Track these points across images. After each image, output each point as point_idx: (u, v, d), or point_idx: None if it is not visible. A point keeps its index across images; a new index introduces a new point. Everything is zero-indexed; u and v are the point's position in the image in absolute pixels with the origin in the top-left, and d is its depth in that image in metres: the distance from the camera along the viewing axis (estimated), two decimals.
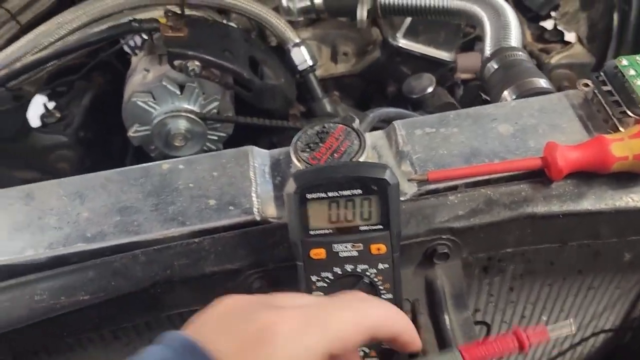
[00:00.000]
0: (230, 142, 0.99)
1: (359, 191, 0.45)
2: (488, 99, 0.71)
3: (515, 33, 0.72)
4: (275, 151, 0.61)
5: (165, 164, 0.59)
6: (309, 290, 0.46)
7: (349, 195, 0.45)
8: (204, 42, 0.87)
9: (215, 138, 0.94)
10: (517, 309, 0.73)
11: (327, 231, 0.46)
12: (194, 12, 0.96)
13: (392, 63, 1.06)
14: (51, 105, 1.21)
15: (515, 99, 0.64)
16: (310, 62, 0.97)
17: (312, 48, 1.02)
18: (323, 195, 0.45)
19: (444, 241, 0.51)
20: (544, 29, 1.23)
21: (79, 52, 0.90)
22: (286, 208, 0.46)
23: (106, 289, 0.50)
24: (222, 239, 0.51)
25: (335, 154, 0.54)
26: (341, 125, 0.56)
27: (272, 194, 0.56)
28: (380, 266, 0.46)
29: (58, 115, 1.17)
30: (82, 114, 1.19)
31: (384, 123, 0.75)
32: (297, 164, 0.54)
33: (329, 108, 0.99)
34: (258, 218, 0.53)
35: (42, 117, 1.17)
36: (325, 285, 0.46)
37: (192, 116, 0.88)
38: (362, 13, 0.96)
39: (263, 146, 1.06)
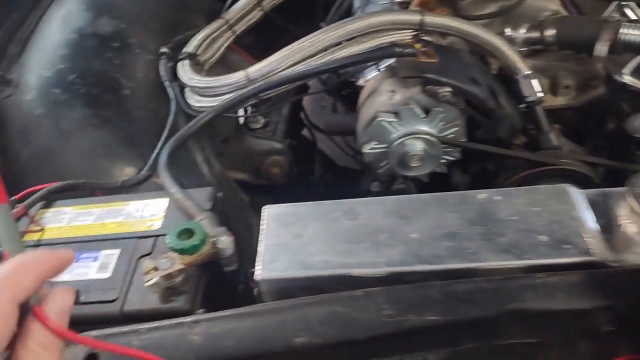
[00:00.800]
0: None
1: None
2: None
3: None
4: (589, 192, 0.61)
5: (480, 194, 0.61)
6: None
7: None
8: (452, 68, 0.89)
9: (444, 161, 0.96)
10: None
11: None
12: (426, 37, 0.99)
13: (615, 100, 1.04)
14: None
15: None
16: (540, 94, 0.97)
17: None
18: None
19: None
20: None
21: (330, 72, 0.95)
22: None
23: (454, 312, 0.52)
24: (569, 278, 0.52)
25: None
26: None
27: (599, 235, 0.57)
28: None
29: (263, 121, 1.24)
30: (285, 122, 1.25)
31: None
32: (639, 211, 0.54)
33: (555, 141, 0.99)
34: (597, 259, 0.54)
35: (248, 122, 1.24)
36: None
37: (432, 139, 0.91)
38: (602, 49, 0.95)
39: (474, 171, 1.08)
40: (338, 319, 0.54)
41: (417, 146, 0.91)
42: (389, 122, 0.91)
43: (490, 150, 0.91)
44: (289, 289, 0.58)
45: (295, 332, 0.53)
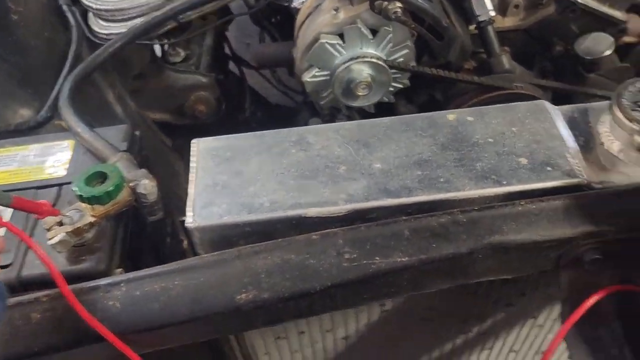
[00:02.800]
0: None
1: None
2: None
3: None
4: (567, 108, 0.54)
5: (450, 115, 0.53)
6: None
7: None
8: None
9: (392, 89, 0.87)
10: None
11: None
12: None
13: (564, 20, 0.99)
14: None
15: None
16: (492, 13, 0.90)
17: None
18: None
19: None
20: None
21: None
22: None
23: (426, 251, 0.45)
24: (552, 203, 0.46)
25: None
26: None
27: (581, 155, 0.50)
28: None
29: (183, 54, 1.09)
30: (209, 54, 1.11)
31: None
32: (628, 124, 0.48)
33: (506, 65, 0.92)
34: (582, 182, 0.48)
35: (167, 55, 1.09)
36: None
37: (381, 63, 0.81)
38: None
39: (420, 100, 1.00)
40: (291, 267, 0.44)
41: (363, 72, 0.81)
42: (333, 45, 0.80)
43: (445, 75, 0.82)
44: (230, 238, 0.48)
45: (239, 287, 0.44)
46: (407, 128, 0.52)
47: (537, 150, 0.50)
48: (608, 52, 0.95)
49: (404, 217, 0.46)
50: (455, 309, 0.65)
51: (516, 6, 0.98)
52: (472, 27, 0.92)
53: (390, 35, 0.80)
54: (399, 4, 0.76)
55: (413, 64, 0.85)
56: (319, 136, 0.52)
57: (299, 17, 0.88)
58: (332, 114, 0.93)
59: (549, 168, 0.48)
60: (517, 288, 0.58)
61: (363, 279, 0.44)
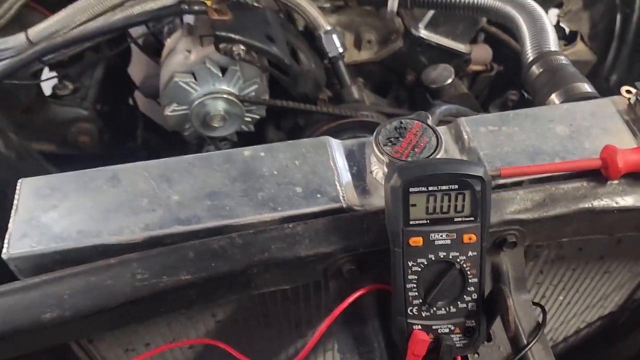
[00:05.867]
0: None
1: (456, 186, 0.50)
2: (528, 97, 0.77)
3: (553, 37, 0.78)
4: (348, 142, 0.64)
5: (246, 151, 0.62)
6: (404, 273, 0.51)
7: (447, 189, 0.50)
8: (248, 26, 0.89)
9: (249, 119, 0.96)
10: (540, 290, 0.80)
11: (425, 221, 0.51)
12: None
13: (412, 52, 1.11)
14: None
15: (563, 102, 0.70)
16: (340, 50, 1.01)
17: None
18: (424, 189, 0.50)
19: (513, 231, 0.57)
20: None
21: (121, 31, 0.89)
22: (387, 199, 0.51)
23: (207, 269, 0.53)
24: (314, 225, 0.55)
25: (415, 149, 0.58)
26: (417, 122, 0.61)
27: (351, 183, 0.60)
28: (470, 254, 0.51)
29: (71, 87, 1.16)
30: (97, 87, 1.18)
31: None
32: (380, 157, 0.58)
33: (356, 95, 1.03)
34: (344, 206, 0.58)
35: (55, 88, 1.15)
36: (419, 269, 0.51)
37: (232, 98, 0.90)
38: (393, 4, 1.00)
39: (287, 127, 1.10)
40: (90, 288, 0.52)
41: (217, 106, 0.91)
42: (187, 83, 0.89)
43: (292, 106, 0.92)
44: (45, 265, 0.55)
45: (44, 308, 0.51)
46: (205, 163, 0.61)
47: (311, 180, 0.59)
48: (449, 81, 1.07)
49: (191, 242, 0.55)
50: (286, 314, 0.74)
51: (369, 41, 1.10)
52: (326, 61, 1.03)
53: (238, 74, 0.89)
54: (242, 46, 0.86)
55: (265, 97, 0.94)
56: (129, 173, 0.60)
57: (162, 55, 0.96)
58: (200, 144, 1.02)
59: (318, 195, 0.58)
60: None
61: (153, 295, 0.53)
